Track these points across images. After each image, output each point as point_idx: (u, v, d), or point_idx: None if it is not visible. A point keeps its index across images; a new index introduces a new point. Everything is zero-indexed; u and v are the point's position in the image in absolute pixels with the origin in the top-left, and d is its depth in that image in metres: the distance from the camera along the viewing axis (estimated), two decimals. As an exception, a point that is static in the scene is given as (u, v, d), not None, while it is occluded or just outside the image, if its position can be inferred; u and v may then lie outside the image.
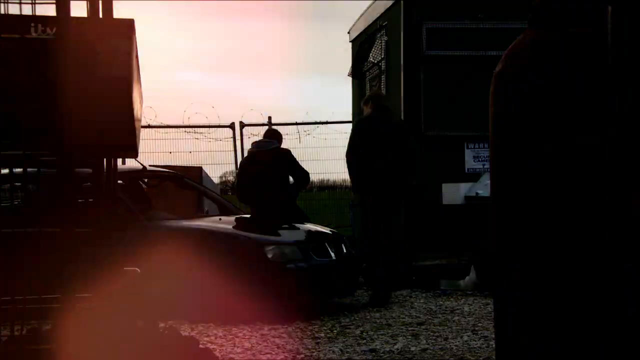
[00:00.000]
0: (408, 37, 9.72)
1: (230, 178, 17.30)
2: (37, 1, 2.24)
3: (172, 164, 13.74)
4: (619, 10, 2.32)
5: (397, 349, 5.68)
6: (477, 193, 8.88)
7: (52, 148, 2.01)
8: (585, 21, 2.75)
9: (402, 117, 9.74)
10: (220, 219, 8.26)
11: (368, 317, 7.25)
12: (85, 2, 2.50)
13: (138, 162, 8.58)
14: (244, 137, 15.38)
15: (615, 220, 2.37)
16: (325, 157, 15.51)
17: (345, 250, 7.93)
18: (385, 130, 8.14)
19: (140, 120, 2.41)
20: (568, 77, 2.70)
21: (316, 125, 15.06)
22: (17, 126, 2.03)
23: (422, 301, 8.23)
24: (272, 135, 8.71)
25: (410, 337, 6.19)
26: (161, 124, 15.73)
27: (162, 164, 12.51)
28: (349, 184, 9.70)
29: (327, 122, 15.06)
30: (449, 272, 9.93)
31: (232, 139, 15.41)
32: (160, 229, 7.48)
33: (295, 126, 15.53)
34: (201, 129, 16.07)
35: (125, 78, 2.13)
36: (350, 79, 11.98)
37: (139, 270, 7.26)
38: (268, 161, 8.24)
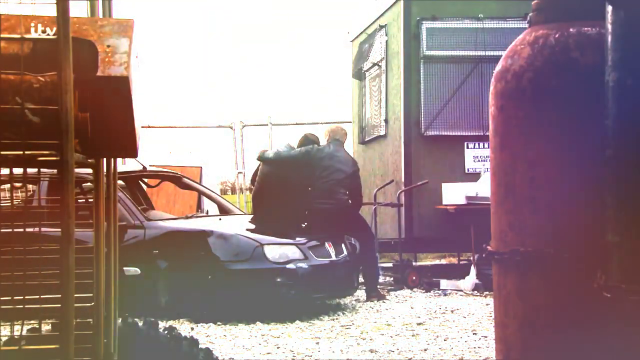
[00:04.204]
0: (408, 37, 9.72)
1: (230, 178, 17.29)
2: (37, 1, 2.24)
3: (172, 164, 13.76)
4: (619, 9, 2.32)
5: (397, 349, 5.68)
6: (477, 193, 8.89)
7: (52, 148, 2.01)
8: (585, 20, 2.75)
9: (402, 117, 9.75)
10: (220, 219, 8.26)
11: (368, 317, 7.25)
12: (85, 2, 2.49)
13: (138, 162, 8.59)
14: (244, 138, 15.40)
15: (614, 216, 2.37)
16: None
17: (345, 250, 7.93)
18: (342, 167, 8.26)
19: (140, 120, 2.41)
20: (568, 76, 2.70)
21: (316, 125, 15.07)
22: (18, 126, 2.03)
23: (422, 301, 8.23)
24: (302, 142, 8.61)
25: (410, 337, 6.18)
26: (161, 124, 15.76)
27: (162, 164, 12.51)
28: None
29: (327, 123, 15.08)
30: (449, 272, 9.93)
31: (232, 139, 15.43)
32: (160, 229, 7.48)
33: (295, 126, 15.55)
34: (201, 129, 16.10)
35: (125, 78, 2.13)
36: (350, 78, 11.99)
37: (139, 271, 7.29)
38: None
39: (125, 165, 9.41)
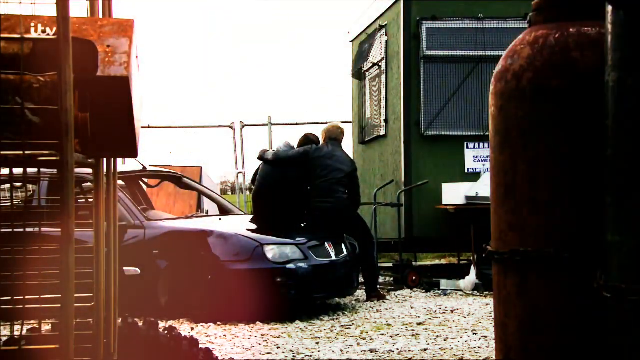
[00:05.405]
0: (408, 37, 9.72)
1: (230, 178, 17.27)
2: (37, 1, 2.24)
3: (172, 164, 13.76)
4: (619, 9, 2.32)
5: (397, 349, 5.68)
6: (477, 193, 8.89)
7: (52, 148, 2.01)
8: (585, 20, 2.75)
9: (402, 117, 9.75)
10: (220, 219, 8.26)
11: (368, 317, 7.25)
12: (85, 2, 2.49)
13: (138, 162, 8.59)
14: (244, 138, 15.41)
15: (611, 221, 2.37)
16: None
17: (345, 250, 7.93)
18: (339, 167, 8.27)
19: (140, 120, 2.41)
20: (568, 76, 2.70)
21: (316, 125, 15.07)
22: (18, 126, 2.03)
23: (422, 301, 8.23)
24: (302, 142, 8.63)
25: (410, 337, 6.18)
26: (161, 124, 15.77)
27: (162, 164, 12.52)
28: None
29: (326, 123, 15.07)
30: (449, 272, 9.93)
31: (232, 139, 15.44)
32: (160, 229, 7.48)
33: (295, 126, 15.56)
34: (201, 129, 16.11)
35: (125, 78, 2.13)
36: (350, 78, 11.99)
37: (139, 271, 7.29)
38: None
39: (125, 165, 9.41)
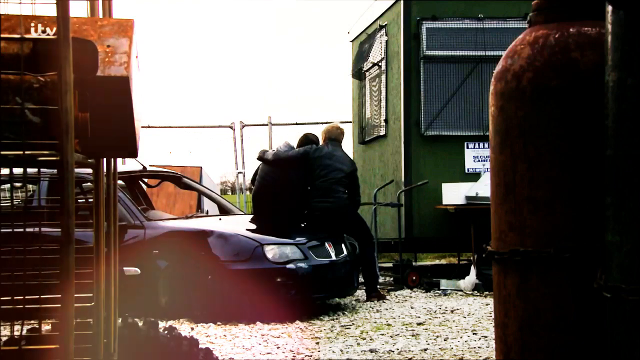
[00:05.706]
0: (408, 37, 9.72)
1: (230, 178, 17.27)
2: (37, 1, 2.24)
3: (172, 164, 13.76)
4: (619, 9, 2.32)
5: (397, 349, 5.68)
6: (477, 193, 8.89)
7: (52, 148, 2.01)
8: (585, 20, 2.75)
9: (402, 117, 9.76)
10: (220, 219, 8.26)
11: (368, 317, 7.25)
12: (85, 2, 2.50)
13: (138, 162, 8.59)
14: (244, 138, 15.41)
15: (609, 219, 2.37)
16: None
17: (345, 250, 7.93)
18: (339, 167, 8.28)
19: (140, 120, 2.41)
20: (568, 76, 2.70)
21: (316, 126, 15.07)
22: (18, 126, 2.03)
23: (422, 301, 8.23)
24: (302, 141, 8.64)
25: (410, 337, 6.18)
26: (161, 124, 15.78)
27: (162, 164, 12.52)
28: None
29: (326, 122, 15.07)
30: (449, 272, 9.94)
31: (232, 139, 15.44)
32: (160, 229, 7.48)
33: (295, 126, 15.56)
34: (201, 129, 16.12)
35: (125, 78, 2.13)
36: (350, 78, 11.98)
37: (139, 271, 7.29)
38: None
39: (125, 165, 9.41)
